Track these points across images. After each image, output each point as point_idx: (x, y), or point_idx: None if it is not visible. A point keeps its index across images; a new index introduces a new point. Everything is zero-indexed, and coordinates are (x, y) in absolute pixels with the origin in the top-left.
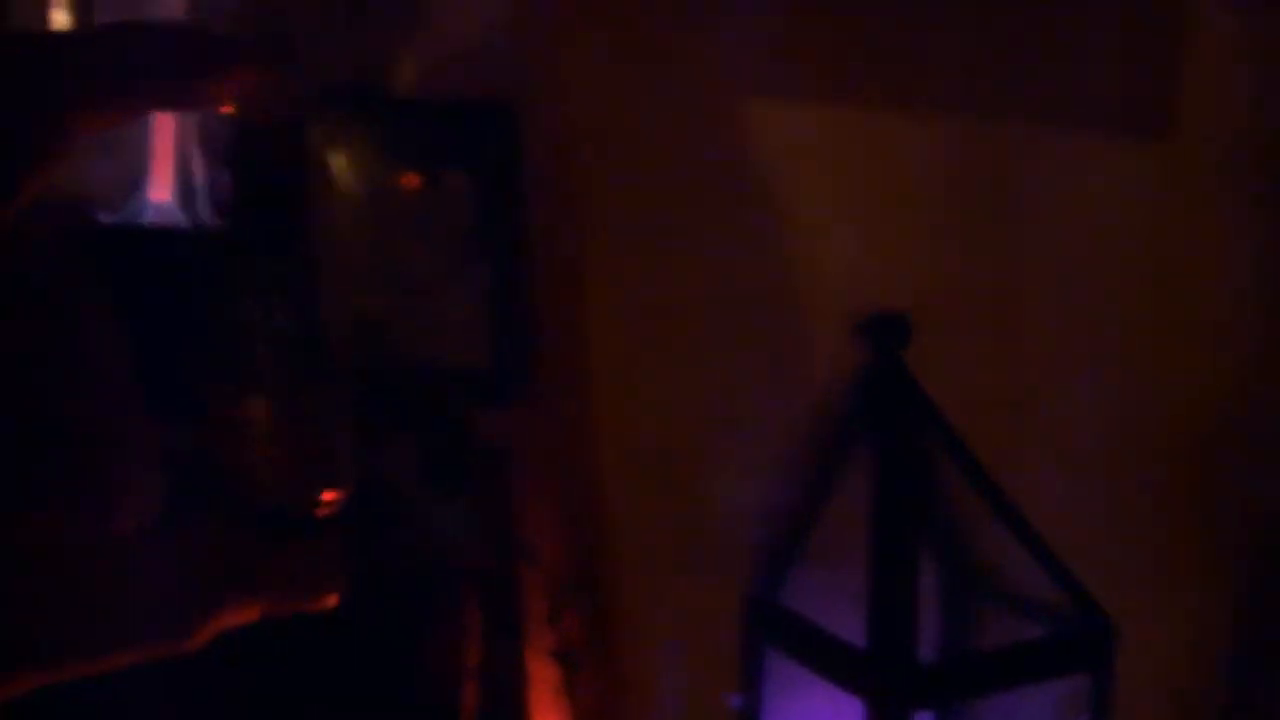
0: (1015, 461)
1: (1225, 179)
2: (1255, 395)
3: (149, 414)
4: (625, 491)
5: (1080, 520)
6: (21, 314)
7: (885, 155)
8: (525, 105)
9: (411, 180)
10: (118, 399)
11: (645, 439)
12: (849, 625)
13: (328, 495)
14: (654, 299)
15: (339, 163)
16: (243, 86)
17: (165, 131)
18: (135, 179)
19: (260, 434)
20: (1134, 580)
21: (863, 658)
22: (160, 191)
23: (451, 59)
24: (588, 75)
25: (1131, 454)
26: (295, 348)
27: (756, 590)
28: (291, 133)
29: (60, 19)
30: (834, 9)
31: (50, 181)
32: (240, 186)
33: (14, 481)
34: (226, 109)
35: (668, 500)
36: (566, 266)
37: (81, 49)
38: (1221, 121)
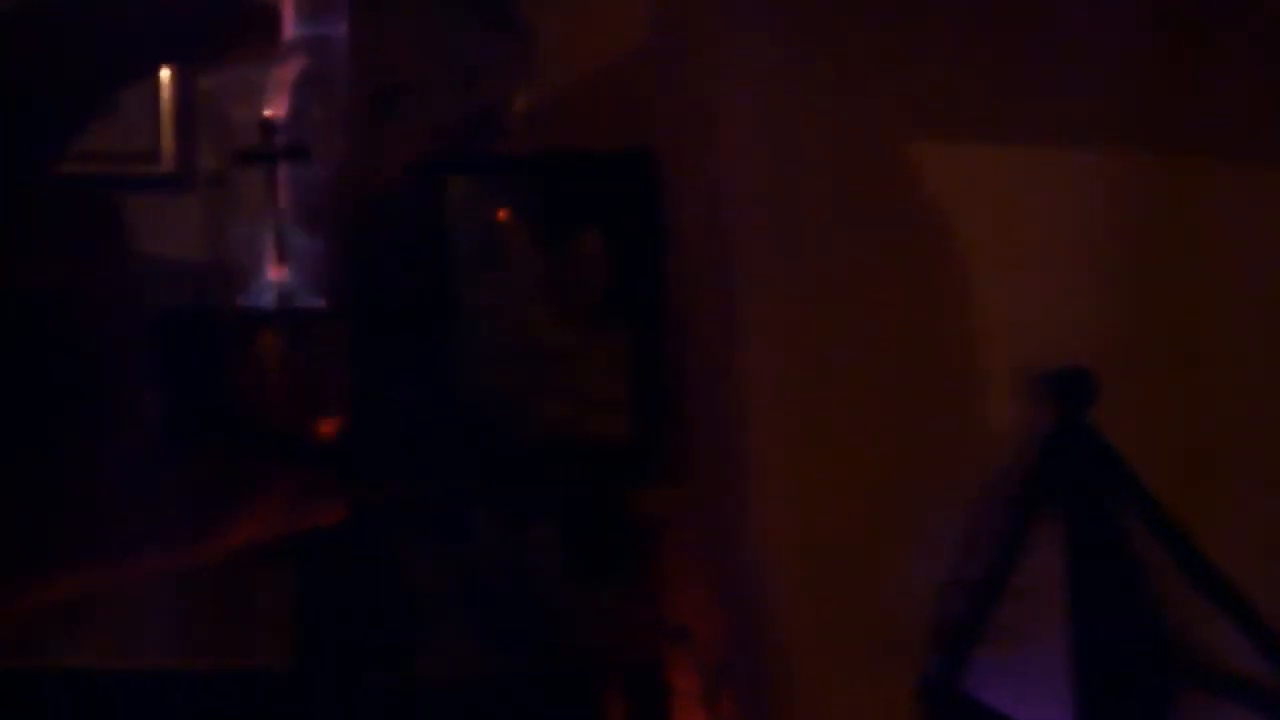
0: (1203, 524)
1: None
2: None
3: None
4: (787, 568)
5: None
6: None
7: (1057, 197)
8: (667, 156)
9: (545, 239)
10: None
11: (808, 512)
12: (1038, 712)
13: (325, 424)
14: (814, 361)
15: (468, 223)
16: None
17: (275, 206)
18: (253, 259)
19: (271, 368)
20: None
21: None
22: (278, 271)
23: (583, 110)
24: (739, 122)
25: None
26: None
27: (933, 674)
28: (409, 194)
29: None
30: (999, 48)
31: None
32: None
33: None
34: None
35: (834, 577)
36: (715, 330)
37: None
38: None
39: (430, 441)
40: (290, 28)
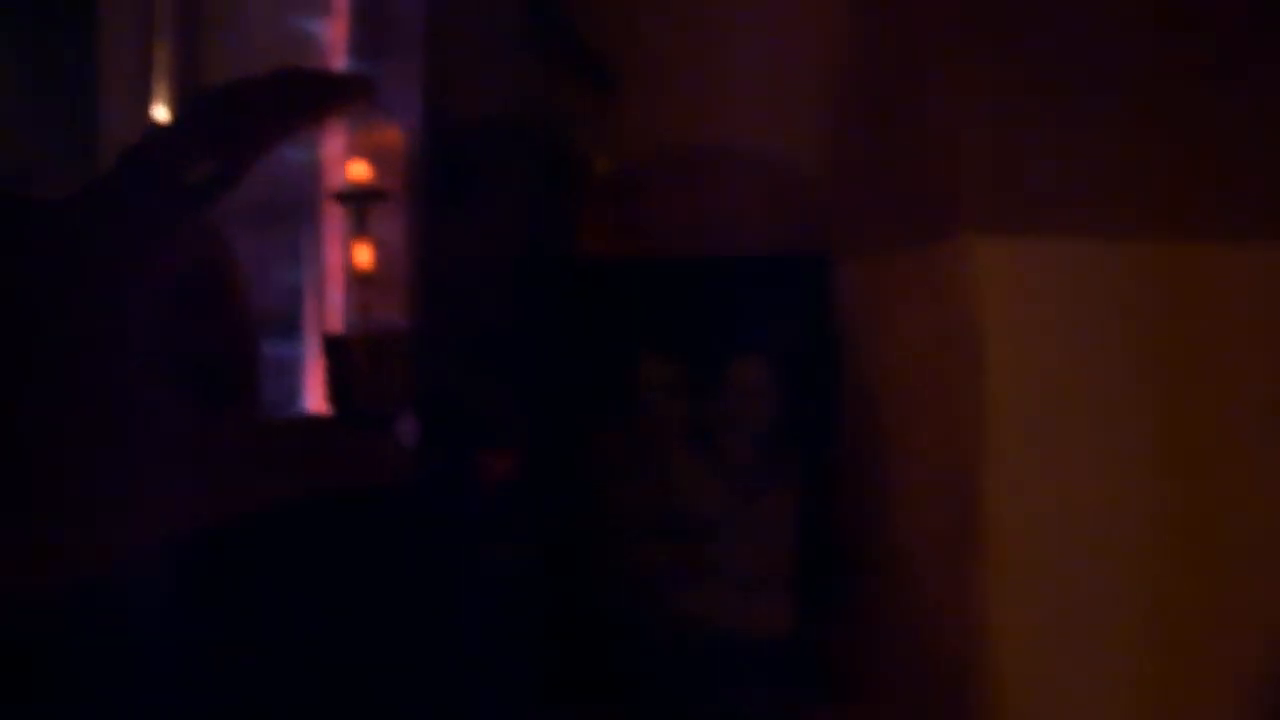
0: None
1: None
2: None
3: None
4: None
5: None
6: None
7: None
8: (837, 261)
9: (692, 372)
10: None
11: None
12: None
13: (397, 404)
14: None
15: (585, 352)
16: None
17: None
18: None
19: (357, 365)
20: None
21: None
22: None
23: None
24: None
25: None
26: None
27: None
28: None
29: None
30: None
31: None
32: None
33: None
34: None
35: None
36: (905, 488)
37: (249, 95)
38: None
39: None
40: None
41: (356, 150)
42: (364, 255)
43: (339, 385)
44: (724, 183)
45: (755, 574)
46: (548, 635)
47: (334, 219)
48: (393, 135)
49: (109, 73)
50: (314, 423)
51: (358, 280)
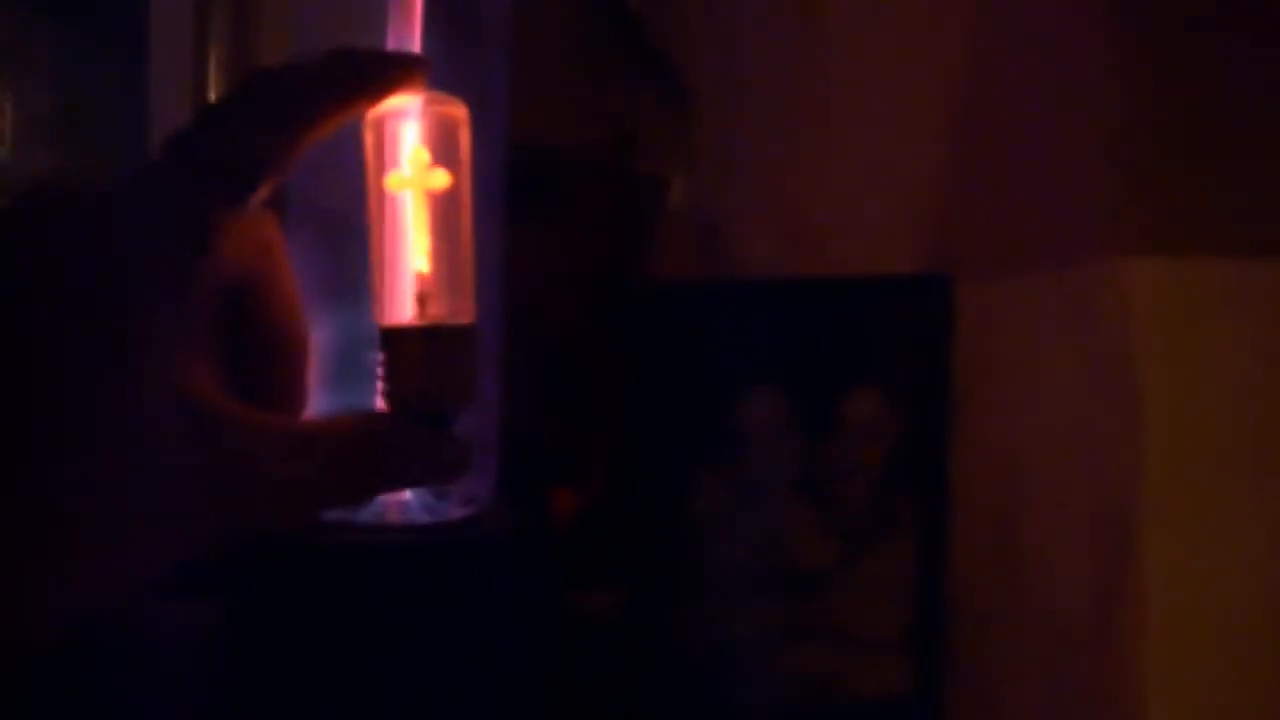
0: None
1: None
2: None
3: None
4: None
5: None
6: None
7: None
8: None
9: (802, 411)
10: None
11: None
12: None
13: (456, 403)
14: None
15: (685, 388)
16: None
17: None
18: None
19: (414, 358)
20: None
21: None
22: None
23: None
24: None
25: None
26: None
27: None
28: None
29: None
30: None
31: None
32: None
33: None
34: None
35: None
36: (1042, 538)
37: (300, 73)
38: None
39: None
40: None
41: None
42: (423, 247)
43: (395, 380)
44: (825, 197)
45: (869, 631)
46: (628, 695)
47: (393, 210)
48: (457, 117)
49: (160, 74)
50: (365, 419)
51: (417, 275)
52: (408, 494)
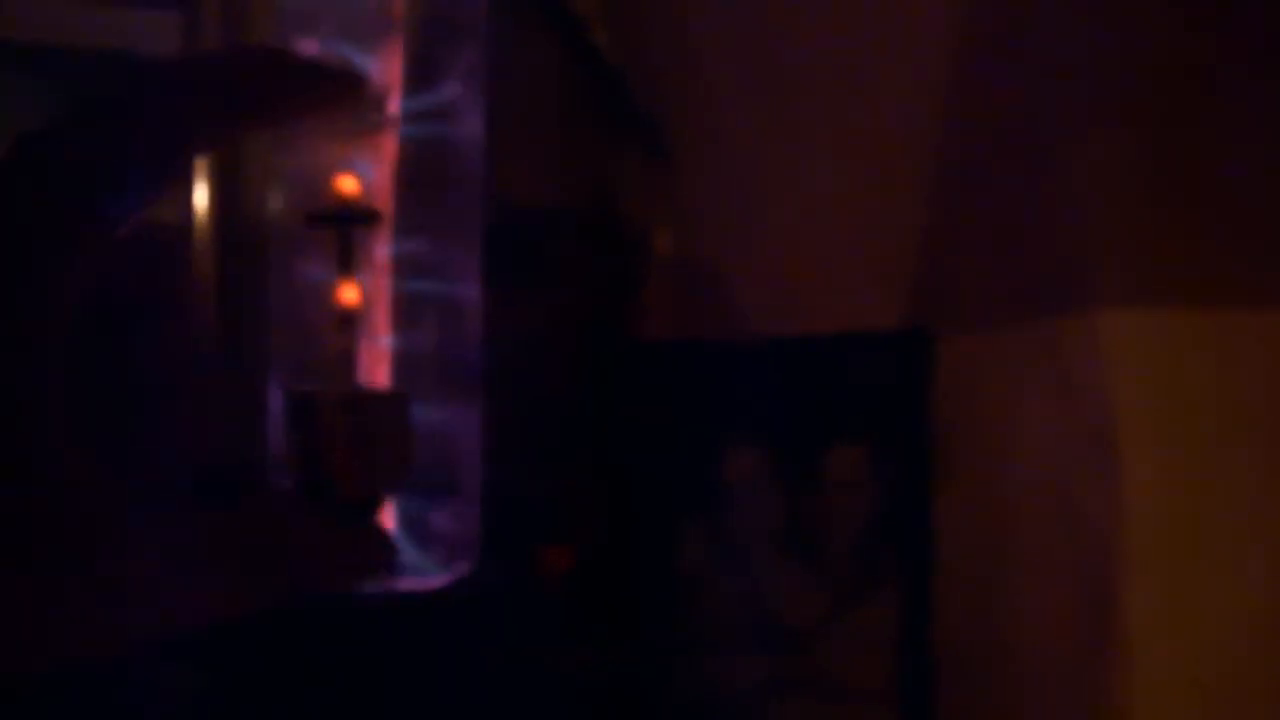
0: None
1: None
2: None
3: None
4: None
5: None
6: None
7: None
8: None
9: (786, 467)
10: None
11: None
12: None
13: (382, 490)
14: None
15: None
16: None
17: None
18: None
19: (341, 437)
20: None
21: None
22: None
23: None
24: None
25: None
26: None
27: None
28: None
29: None
30: None
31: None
32: None
33: None
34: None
35: None
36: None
37: (200, 73)
38: None
39: None
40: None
41: (342, 163)
42: (350, 293)
43: (308, 458)
44: (804, 254)
45: (856, 686)
46: None
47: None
48: (389, 145)
49: None
50: (268, 507)
51: (339, 323)
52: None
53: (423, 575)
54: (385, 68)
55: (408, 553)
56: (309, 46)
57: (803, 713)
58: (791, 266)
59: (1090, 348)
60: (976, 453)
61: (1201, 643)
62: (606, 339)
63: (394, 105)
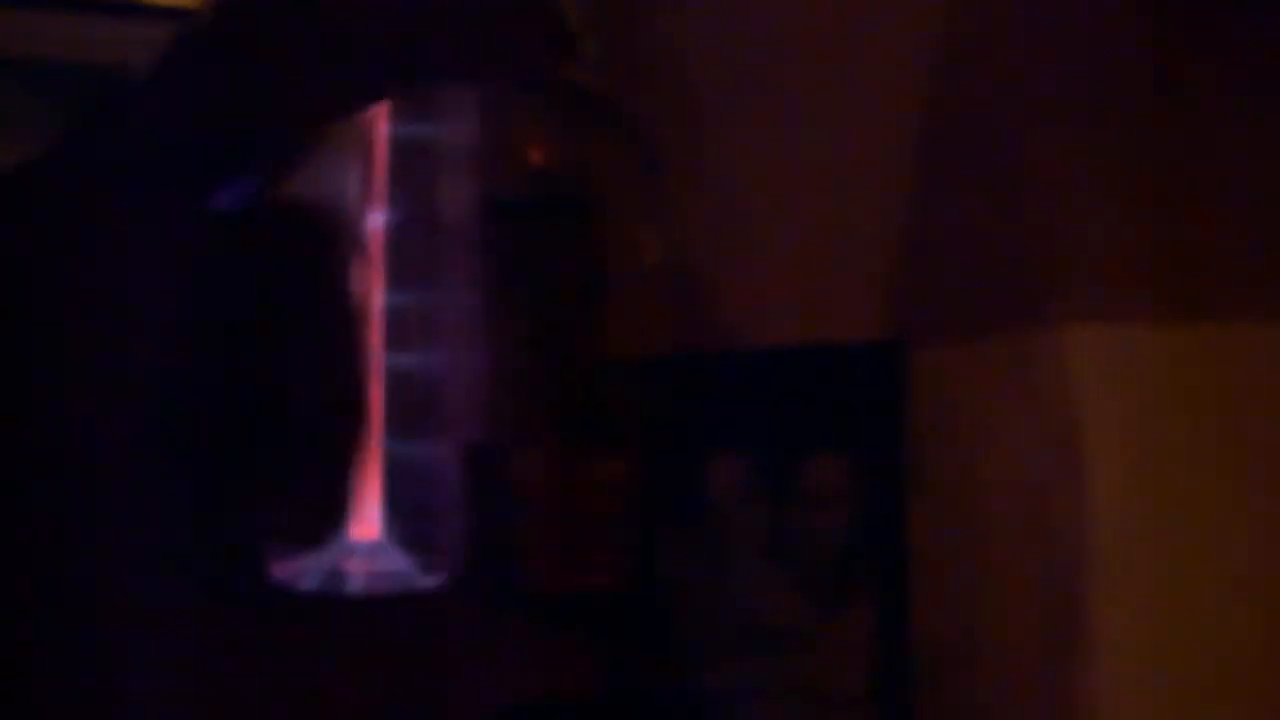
0: None
1: None
2: None
3: None
4: None
5: None
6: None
7: None
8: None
9: (768, 479)
10: None
11: None
12: None
13: (594, 581)
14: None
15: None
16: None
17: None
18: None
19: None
20: None
21: None
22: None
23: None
24: None
25: None
26: None
27: None
28: None
29: None
30: None
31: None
32: None
33: None
34: None
35: None
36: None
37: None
38: None
39: None
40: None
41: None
42: None
43: (493, 537)
44: (781, 265)
45: (837, 689)
46: None
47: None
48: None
49: None
50: (437, 606)
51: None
52: (381, 564)
53: (409, 579)
54: None
55: (396, 559)
56: None
57: (786, 716)
58: (773, 277)
59: (1059, 359)
60: (950, 462)
61: (1169, 645)
62: (589, 350)
63: None
